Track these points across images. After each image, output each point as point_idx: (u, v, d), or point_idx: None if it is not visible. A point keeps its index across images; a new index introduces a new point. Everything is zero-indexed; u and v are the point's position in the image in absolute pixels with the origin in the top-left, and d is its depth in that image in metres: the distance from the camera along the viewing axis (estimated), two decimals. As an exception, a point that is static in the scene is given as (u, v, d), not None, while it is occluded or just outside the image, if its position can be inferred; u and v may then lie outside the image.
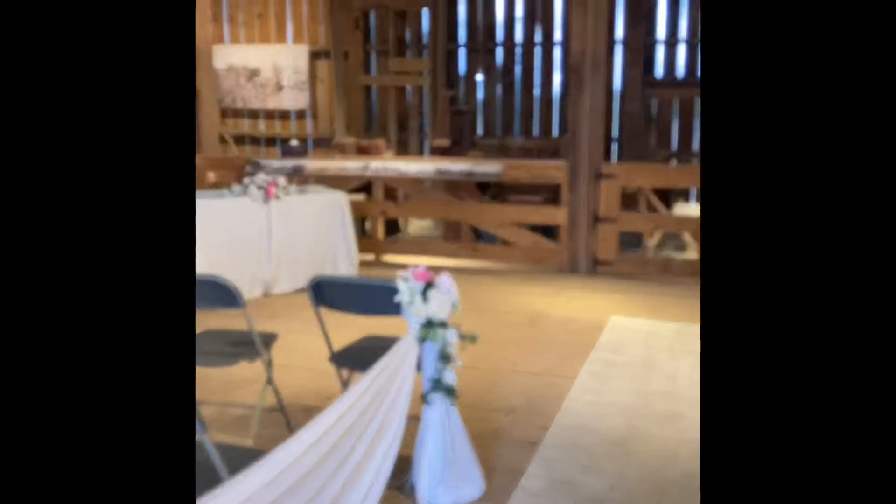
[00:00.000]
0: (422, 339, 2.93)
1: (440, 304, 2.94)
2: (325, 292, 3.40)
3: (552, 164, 6.95)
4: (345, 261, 6.38)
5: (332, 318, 3.50)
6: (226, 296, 3.37)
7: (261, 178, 6.08)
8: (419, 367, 2.95)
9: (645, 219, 7.18)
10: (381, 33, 10.66)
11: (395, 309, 2.99)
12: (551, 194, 7.20)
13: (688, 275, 6.47)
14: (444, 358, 2.98)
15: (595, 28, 6.45)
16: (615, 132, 9.91)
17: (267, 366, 3.59)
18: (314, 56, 10.97)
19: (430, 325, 2.94)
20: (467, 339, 3.02)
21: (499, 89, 10.41)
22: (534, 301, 5.98)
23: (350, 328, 3.72)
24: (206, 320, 4.07)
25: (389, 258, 7.40)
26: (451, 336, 2.96)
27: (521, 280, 6.68)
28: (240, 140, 11.49)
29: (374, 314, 3.29)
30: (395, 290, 2.98)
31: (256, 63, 11.08)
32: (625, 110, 9.78)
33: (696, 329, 4.82)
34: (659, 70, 9.77)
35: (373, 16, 10.67)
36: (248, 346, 3.52)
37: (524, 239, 7.02)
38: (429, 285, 2.97)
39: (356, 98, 10.57)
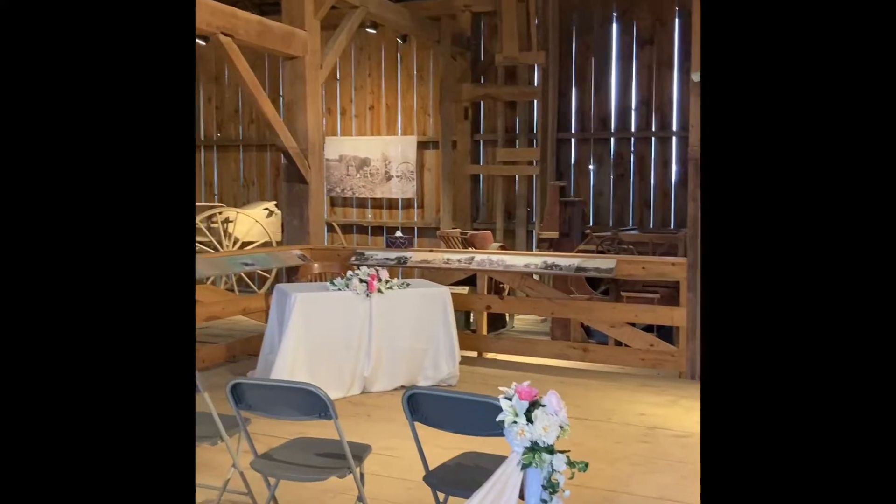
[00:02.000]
0: (525, 465, 2.67)
1: (547, 426, 2.66)
2: (421, 406, 3.15)
3: (670, 261, 6.58)
4: (446, 358, 6.12)
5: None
6: (318, 406, 3.17)
7: (364, 271, 5.96)
8: (522, 495, 2.68)
9: (771, 320, 6.67)
10: (490, 123, 10.63)
11: (497, 428, 2.74)
12: (669, 292, 6.80)
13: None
14: (550, 487, 2.70)
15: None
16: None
17: (359, 482, 3.34)
18: (422, 146, 11.02)
19: (534, 448, 2.67)
20: (577, 466, 2.72)
21: (611, 179, 10.14)
22: (648, 410, 5.55)
23: (449, 437, 3.45)
24: (299, 423, 3.91)
25: (493, 355, 7.10)
26: (559, 463, 2.67)
27: (634, 385, 6.25)
28: (347, 229, 11.57)
29: (472, 434, 3.01)
30: (496, 408, 2.74)
31: (366, 153, 11.21)
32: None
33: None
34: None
35: (481, 105, 10.66)
36: (340, 458, 3.30)
37: (638, 340, 6.61)
38: (534, 404, 2.72)
39: (463, 187, 10.51)
